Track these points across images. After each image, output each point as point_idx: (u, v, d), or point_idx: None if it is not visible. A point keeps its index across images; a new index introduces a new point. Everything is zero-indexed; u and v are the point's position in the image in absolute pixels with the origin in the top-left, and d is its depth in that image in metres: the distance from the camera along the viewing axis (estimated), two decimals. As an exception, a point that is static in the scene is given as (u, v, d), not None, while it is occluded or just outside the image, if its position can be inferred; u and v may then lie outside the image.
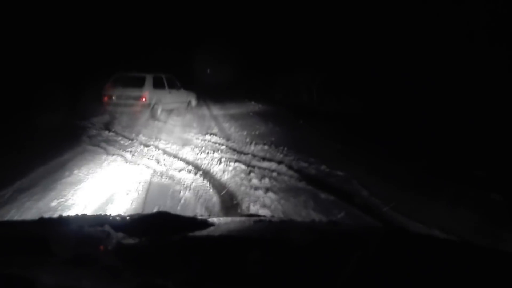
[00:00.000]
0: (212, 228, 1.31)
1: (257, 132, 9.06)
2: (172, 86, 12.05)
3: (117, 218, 1.47)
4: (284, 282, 0.89)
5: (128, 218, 1.51)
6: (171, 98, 11.89)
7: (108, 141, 7.50)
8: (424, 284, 0.90)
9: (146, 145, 7.20)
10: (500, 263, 1.08)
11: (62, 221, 1.48)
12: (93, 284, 0.81)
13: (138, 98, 10.50)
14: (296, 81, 16.89)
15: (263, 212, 3.84)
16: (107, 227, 1.21)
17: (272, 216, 3.42)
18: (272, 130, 9.52)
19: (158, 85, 11.14)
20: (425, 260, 1.04)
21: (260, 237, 1.26)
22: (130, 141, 7.56)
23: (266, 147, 7.11)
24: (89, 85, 12.77)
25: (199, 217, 1.52)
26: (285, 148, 6.91)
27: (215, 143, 7.68)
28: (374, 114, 11.33)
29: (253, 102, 17.01)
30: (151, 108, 10.74)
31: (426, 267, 0.99)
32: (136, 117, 10.36)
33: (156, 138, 7.98)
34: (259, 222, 1.56)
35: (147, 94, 10.52)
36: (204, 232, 1.24)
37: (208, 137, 8.30)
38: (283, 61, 17.83)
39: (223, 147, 7.23)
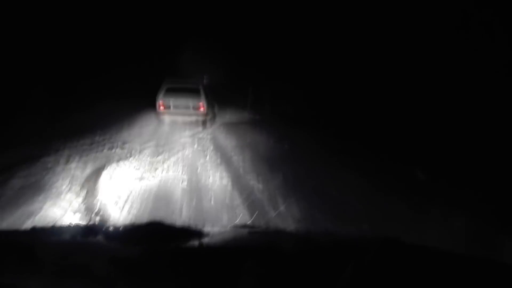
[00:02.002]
0: (206, 238, 1.30)
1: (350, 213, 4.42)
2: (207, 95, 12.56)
3: (110, 228, 1.46)
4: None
5: (121, 228, 1.50)
6: (210, 106, 12.44)
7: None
8: None
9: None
10: (496, 274, 1.07)
11: (55, 231, 1.47)
12: (85, 295, 0.80)
13: (197, 106, 11.07)
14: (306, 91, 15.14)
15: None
16: (100, 237, 1.21)
17: (267, 227, 3.41)
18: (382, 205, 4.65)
19: (206, 94, 11.70)
20: (420, 271, 1.04)
21: (254, 248, 1.25)
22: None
23: None
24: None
25: (193, 227, 1.52)
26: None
27: None
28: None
29: (269, 117, 14.64)
30: (206, 116, 11.34)
31: (421, 278, 0.99)
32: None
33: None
34: (254, 233, 1.55)
35: (204, 103, 11.14)
36: (197, 242, 1.24)
37: None
38: (290, 68, 17.07)
39: None
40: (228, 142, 9.38)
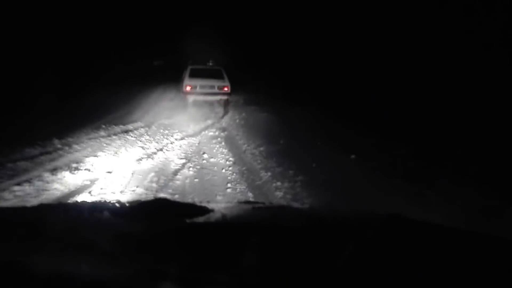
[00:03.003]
0: (211, 214, 1.32)
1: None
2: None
3: (116, 204, 1.47)
4: (282, 267, 0.89)
5: (127, 204, 1.52)
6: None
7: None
8: (422, 271, 0.91)
9: None
10: (499, 250, 1.08)
11: (62, 208, 1.49)
12: (92, 270, 0.82)
13: (222, 87, 11.51)
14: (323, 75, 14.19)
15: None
16: (106, 214, 1.22)
17: (271, 203, 3.43)
18: None
19: (227, 75, 12.08)
20: (423, 247, 1.05)
21: (259, 223, 1.26)
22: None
23: None
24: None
25: (198, 204, 1.53)
26: None
27: None
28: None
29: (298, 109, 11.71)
30: (229, 96, 11.75)
31: (424, 254, 0.99)
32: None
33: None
34: (258, 208, 1.56)
35: (228, 84, 11.55)
36: (202, 219, 1.25)
37: None
38: (308, 53, 16.37)
39: None
40: (253, 145, 6.67)
